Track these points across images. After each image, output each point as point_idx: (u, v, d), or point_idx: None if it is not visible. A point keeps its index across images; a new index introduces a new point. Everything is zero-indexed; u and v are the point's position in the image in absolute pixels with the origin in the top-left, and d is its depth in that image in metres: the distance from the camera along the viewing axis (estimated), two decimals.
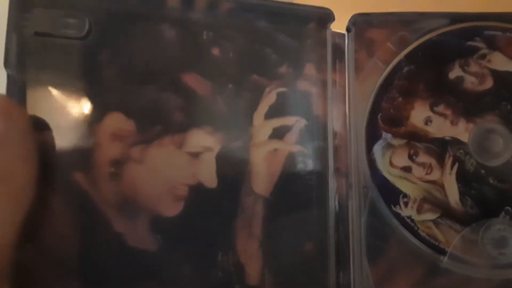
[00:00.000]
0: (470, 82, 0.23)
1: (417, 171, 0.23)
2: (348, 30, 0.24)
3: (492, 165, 0.23)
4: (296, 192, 0.22)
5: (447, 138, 0.23)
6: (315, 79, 0.23)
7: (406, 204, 0.23)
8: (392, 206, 0.23)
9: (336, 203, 0.23)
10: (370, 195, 0.23)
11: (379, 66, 0.24)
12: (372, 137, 0.23)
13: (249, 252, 0.21)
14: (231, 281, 0.21)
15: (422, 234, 0.22)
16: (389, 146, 0.23)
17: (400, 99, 0.23)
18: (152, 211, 0.20)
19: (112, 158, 0.19)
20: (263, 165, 0.22)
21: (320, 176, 0.23)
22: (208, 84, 0.21)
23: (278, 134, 0.22)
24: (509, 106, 0.23)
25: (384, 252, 0.23)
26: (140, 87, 0.20)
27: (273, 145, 0.22)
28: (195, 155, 0.20)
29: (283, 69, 0.23)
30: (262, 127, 0.22)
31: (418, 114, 0.23)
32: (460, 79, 0.23)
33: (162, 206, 0.20)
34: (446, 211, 0.22)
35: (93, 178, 0.19)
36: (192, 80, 0.21)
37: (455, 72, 0.23)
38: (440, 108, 0.23)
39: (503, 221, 0.22)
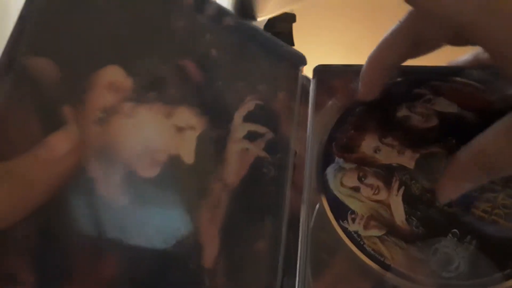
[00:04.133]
0: (416, 120, 0.26)
1: (365, 191, 0.24)
2: (312, 76, 0.29)
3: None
4: (258, 191, 0.25)
5: (394, 164, 0.25)
6: (284, 104, 0.28)
7: (353, 220, 0.24)
8: (340, 221, 0.24)
9: (289, 214, 0.25)
10: (319, 210, 0.24)
11: (336, 105, 0.28)
12: (326, 160, 0.26)
13: (210, 234, 0.22)
14: (187, 259, 0.21)
15: (368, 249, 0.23)
16: (340, 169, 0.25)
17: (352, 131, 0.26)
18: (128, 166, 0.20)
19: (104, 104, 0.20)
20: (235, 159, 0.25)
21: (280, 184, 0.25)
22: (202, 74, 0.24)
23: (251, 137, 0.26)
24: (454, 141, 0.25)
25: (330, 264, 0.23)
26: (146, 54, 0.22)
27: (246, 144, 0.25)
28: (180, 129, 0.22)
29: (262, 87, 0.27)
30: (239, 126, 0.26)
31: (368, 144, 0.26)
32: (406, 117, 0.26)
33: (140, 165, 0.21)
34: (391, 229, 0.23)
35: (80, 115, 0.19)
36: (190, 66, 0.24)
37: (402, 112, 0.27)
38: (388, 140, 0.26)
39: (450, 243, 0.22)
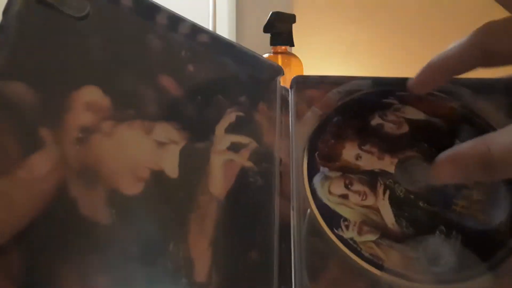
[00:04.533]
0: (389, 127, 0.28)
1: (354, 198, 0.25)
2: (291, 87, 0.29)
3: (417, 191, 0.25)
4: (246, 201, 0.24)
5: (376, 170, 0.26)
6: (265, 114, 0.28)
7: (347, 227, 0.24)
8: (335, 229, 0.24)
9: (279, 222, 0.24)
10: (311, 219, 0.24)
11: (314, 115, 0.28)
12: (311, 170, 0.26)
13: (200, 248, 0.21)
14: (179, 274, 0.20)
15: (366, 254, 0.23)
16: (326, 178, 0.26)
17: (332, 141, 0.27)
18: (111, 184, 0.20)
19: (82, 124, 0.20)
20: (220, 171, 0.24)
21: (267, 193, 0.25)
22: (180, 90, 0.24)
23: (235, 147, 0.25)
24: (426, 145, 0.27)
25: (326, 271, 0.23)
26: (123, 73, 0.22)
27: (230, 155, 0.25)
28: (161, 144, 0.22)
29: (242, 99, 0.27)
30: (222, 138, 0.25)
31: (349, 152, 0.27)
32: (380, 125, 0.28)
33: (122, 182, 0.20)
34: (384, 232, 0.24)
35: (59, 137, 0.19)
36: (168, 82, 0.24)
37: (375, 121, 0.28)
38: (367, 147, 0.27)
39: (439, 239, 0.24)
